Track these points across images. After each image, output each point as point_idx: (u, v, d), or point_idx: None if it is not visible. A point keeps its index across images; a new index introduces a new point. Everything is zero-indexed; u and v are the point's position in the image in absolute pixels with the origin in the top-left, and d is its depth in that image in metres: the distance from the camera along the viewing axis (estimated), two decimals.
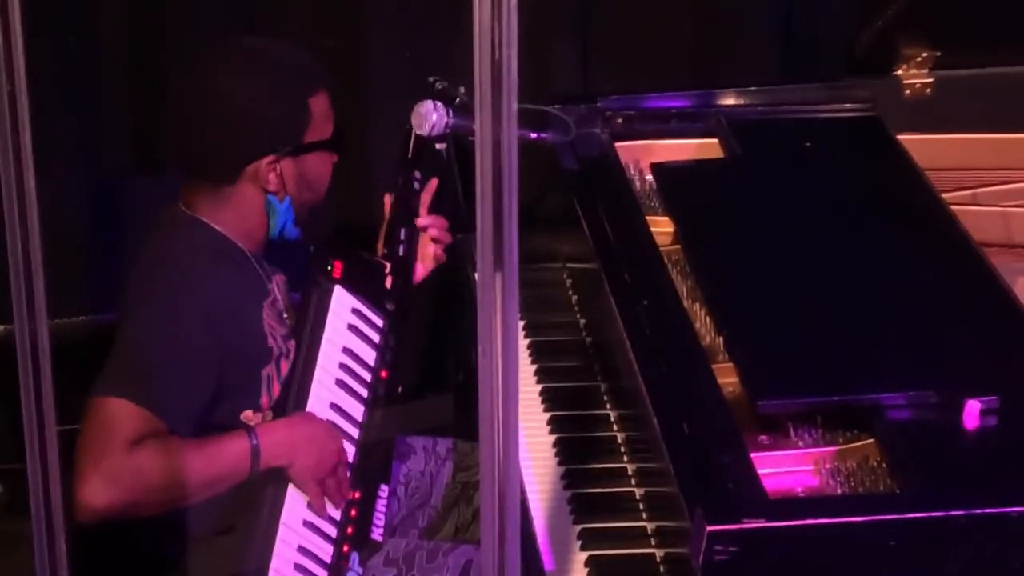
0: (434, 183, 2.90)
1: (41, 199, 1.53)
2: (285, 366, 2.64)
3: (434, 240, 2.90)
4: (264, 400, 2.61)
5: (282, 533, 2.47)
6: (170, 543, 2.62)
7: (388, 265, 2.82)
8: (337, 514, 2.57)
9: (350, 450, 2.63)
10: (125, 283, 2.62)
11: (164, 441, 2.42)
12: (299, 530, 2.51)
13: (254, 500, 2.52)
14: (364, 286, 2.74)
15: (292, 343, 2.66)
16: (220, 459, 2.48)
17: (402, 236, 2.86)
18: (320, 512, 2.54)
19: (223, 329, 2.56)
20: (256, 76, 2.64)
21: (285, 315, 2.71)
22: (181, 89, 2.73)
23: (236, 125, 2.62)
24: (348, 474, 2.60)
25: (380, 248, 2.86)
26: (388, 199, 2.88)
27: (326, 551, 2.55)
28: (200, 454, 2.46)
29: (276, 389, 2.62)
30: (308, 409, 2.59)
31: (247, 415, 2.58)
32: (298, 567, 2.48)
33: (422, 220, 2.89)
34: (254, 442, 2.48)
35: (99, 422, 2.41)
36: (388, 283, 2.81)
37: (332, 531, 2.56)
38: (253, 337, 2.62)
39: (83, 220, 3.75)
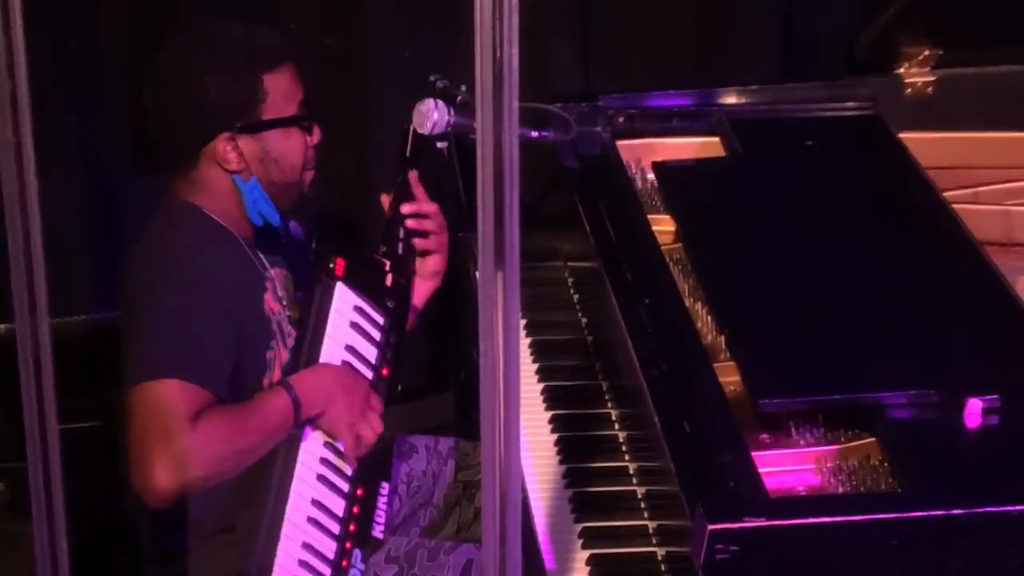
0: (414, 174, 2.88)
1: (42, 198, 1.53)
2: (285, 355, 2.65)
3: (414, 231, 2.84)
4: (265, 382, 2.63)
5: (286, 529, 2.48)
6: (172, 541, 2.62)
7: (388, 263, 2.82)
8: (340, 509, 2.58)
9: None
10: (128, 273, 2.63)
11: (218, 411, 2.46)
12: (303, 527, 2.51)
13: (255, 499, 2.53)
14: (366, 283, 2.74)
15: (294, 330, 2.67)
16: (269, 417, 2.51)
17: (401, 234, 2.86)
18: (324, 493, 2.55)
19: (230, 303, 2.58)
20: (202, 57, 2.66)
21: (285, 303, 2.71)
22: (142, 79, 2.76)
23: (185, 107, 2.65)
24: (378, 417, 2.63)
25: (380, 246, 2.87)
26: (385, 199, 2.88)
27: (329, 547, 2.55)
28: (251, 416, 2.49)
29: (278, 374, 2.64)
30: None
31: (275, 383, 2.60)
32: (302, 563, 2.49)
33: (405, 207, 2.84)
34: (293, 394, 2.52)
35: (153, 407, 2.43)
36: (389, 280, 2.81)
37: (335, 528, 2.57)
38: (255, 317, 2.64)
39: (84, 220, 3.75)
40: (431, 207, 2.85)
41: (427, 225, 2.84)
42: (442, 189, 3.03)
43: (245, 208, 2.69)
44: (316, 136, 2.74)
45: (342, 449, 2.59)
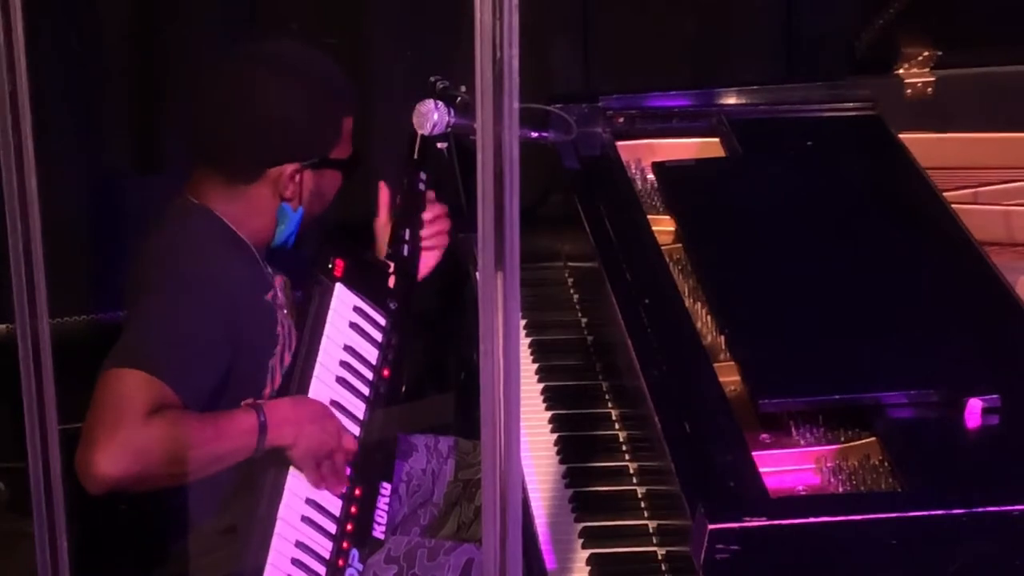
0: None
1: (42, 198, 1.53)
2: (289, 359, 2.65)
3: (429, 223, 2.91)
4: (267, 391, 2.62)
5: (279, 528, 2.47)
6: (171, 542, 2.62)
7: (392, 265, 2.82)
8: (336, 509, 2.58)
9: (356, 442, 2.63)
10: (134, 268, 2.63)
11: (177, 413, 2.43)
12: (297, 525, 2.51)
13: (253, 498, 2.53)
14: (366, 285, 2.75)
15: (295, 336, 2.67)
16: (230, 433, 2.48)
17: (407, 236, 2.87)
18: (319, 492, 2.55)
19: (233, 314, 2.58)
20: (301, 84, 2.66)
21: (286, 311, 2.71)
22: (217, 76, 2.74)
23: (271, 127, 2.64)
24: (347, 465, 2.60)
25: (384, 248, 2.87)
26: (383, 192, 2.89)
27: (325, 547, 2.55)
28: (211, 427, 2.46)
29: (279, 381, 2.64)
30: None
31: (247, 403, 2.59)
32: (295, 562, 2.48)
33: (427, 215, 2.90)
34: (262, 419, 2.49)
35: (113, 392, 2.41)
36: (391, 283, 2.81)
37: (331, 527, 2.56)
38: (260, 326, 2.64)
39: (84, 219, 3.75)
40: (443, 209, 2.91)
41: (441, 227, 2.90)
42: (442, 189, 3.03)
43: (277, 229, 2.70)
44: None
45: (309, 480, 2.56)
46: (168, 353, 2.46)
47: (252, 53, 2.77)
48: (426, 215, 2.89)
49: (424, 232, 2.90)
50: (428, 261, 2.92)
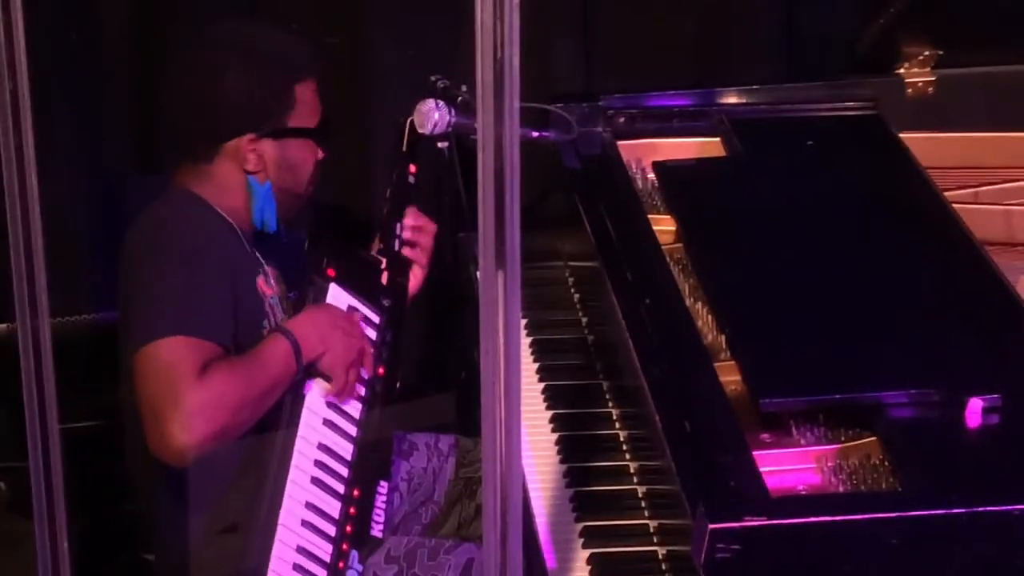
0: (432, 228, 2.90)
1: (43, 198, 1.53)
2: None
3: (408, 243, 2.86)
4: None
5: (280, 533, 2.47)
6: (173, 541, 2.62)
7: (383, 261, 2.82)
8: (335, 511, 2.58)
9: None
10: (127, 254, 2.64)
11: (225, 362, 2.47)
12: (297, 530, 2.51)
13: (254, 500, 2.53)
14: (360, 283, 2.75)
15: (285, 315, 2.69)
16: (273, 363, 2.53)
17: (397, 231, 2.86)
18: (319, 494, 2.55)
19: (227, 275, 2.60)
20: (239, 57, 2.70)
21: (278, 295, 2.72)
22: (167, 67, 2.80)
23: (215, 102, 2.68)
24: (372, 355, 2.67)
25: (376, 244, 2.87)
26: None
27: (325, 550, 2.54)
28: (256, 364, 2.51)
29: None
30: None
31: (270, 329, 2.62)
32: (297, 567, 2.48)
33: (408, 218, 2.86)
34: (292, 339, 2.54)
35: (161, 365, 2.43)
36: (384, 279, 2.81)
37: (331, 530, 2.56)
38: (250, 296, 2.66)
39: (84, 219, 3.75)
40: (430, 224, 2.88)
41: (422, 240, 2.86)
42: (442, 189, 3.03)
43: (251, 208, 2.71)
44: (322, 153, 2.78)
45: (332, 390, 2.60)
46: (190, 310, 2.49)
47: (195, 37, 2.83)
48: (407, 220, 2.87)
49: (406, 243, 2.86)
50: (413, 280, 2.88)
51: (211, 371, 2.43)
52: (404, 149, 2.86)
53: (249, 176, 2.70)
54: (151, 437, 2.41)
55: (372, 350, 2.68)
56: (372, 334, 2.74)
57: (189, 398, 2.40)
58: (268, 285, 2.71)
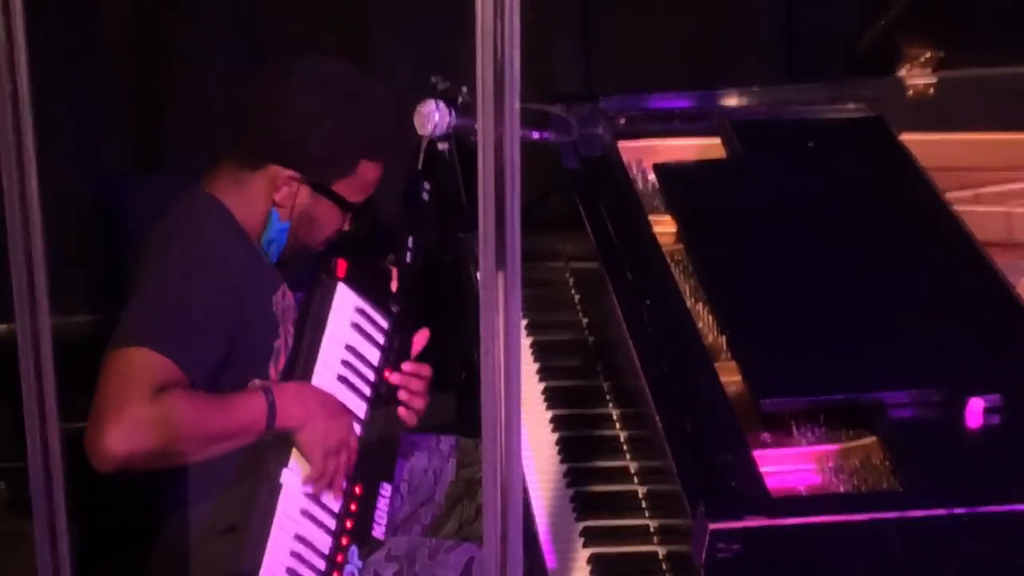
0: (425, 334, 2.85)
1: (42, 198, 1.53)
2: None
3: (404, 403, 2.78)
4: (272, 372, 2.63)
5: (279, 520, 2.48)
6: (173, 541, 2.62)
7: (395, 270, 2.83)
8: (336, 505, 2.58)
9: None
10: (140, 254, 2.64)
11: (185, 391, 2.45)
12: (296, 518, 2.51)
13: (252, 491, 2.53)
14: (369, 286, 2.76)
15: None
16: (238, 413, 2.50)
17: (410, 244, 2.87)
18: (318, 491, 2.55)
19: (236, 294, 2.59)
20: (338, 103, 2.71)
21: (289, 306, 2.73)
22: (279, 69, 2.78)
23: (292, 124, 2.67)
24: (352, 465, 2.61)
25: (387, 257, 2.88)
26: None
27: (324, 542, 2.55)
28: (219, 407, 2.49)
29: (283, 362, 2.64)
30: None
31: (254, 383, 2.59)
32: (294, 554, 2.48)
33: (406, 366, 2.80)
34: (270, 399, 2.51)
35: (121, 371, 2.42)
36: (394, 287, 2.82)
37: (331, 522, 2.57)
38: (263, 308, 2.65)
39: (85, 219, 3.76)
40: (425, 368, 2.83)
41: (415, 385, 2.80)
42: (443, 190, 3.03)
43: (263, 235, 2.72)
44: (348, 226, 2.78)
45: (310, 476, 2.55)
46: (173, 331, 2.48)
47: (321, 62, 2.81)
48: (405, 367, 2.80)
49: (402, 383, 2.78)
50: (407, 419, 2.80)
51: (168, 393, 2.41)
52: (420, 166, 2.87)
53: (274, 207, 2.70)
54: (88, 433, 2.38)
55: (357, 449, 2.61)
56: (379, 338, 2.75)
57: (134, 410, 2.38)
58: (285, 302, 2.72)
